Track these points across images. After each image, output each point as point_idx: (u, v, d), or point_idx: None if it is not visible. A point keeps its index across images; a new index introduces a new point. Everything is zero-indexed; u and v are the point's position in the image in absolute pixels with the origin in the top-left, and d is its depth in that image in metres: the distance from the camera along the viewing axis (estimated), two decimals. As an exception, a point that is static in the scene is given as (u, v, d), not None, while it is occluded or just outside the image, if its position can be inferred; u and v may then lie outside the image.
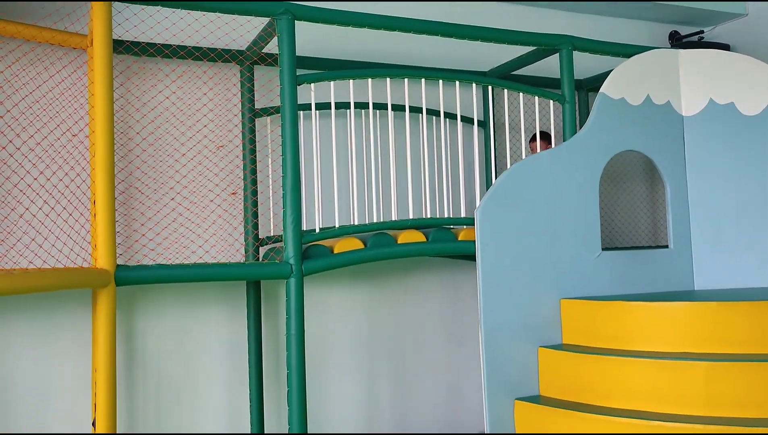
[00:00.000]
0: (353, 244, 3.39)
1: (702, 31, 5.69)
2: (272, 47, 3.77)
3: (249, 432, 3.99)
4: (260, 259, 3.97)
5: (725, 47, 5.40)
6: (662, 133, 4.16)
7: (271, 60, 3.91)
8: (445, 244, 3.60)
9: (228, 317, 4.03)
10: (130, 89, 3.85)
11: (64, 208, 3.52)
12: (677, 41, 5.68)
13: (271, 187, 4.02)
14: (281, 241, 3.91)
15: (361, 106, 3.60)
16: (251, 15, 3.22)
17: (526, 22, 4.74)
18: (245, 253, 3.98)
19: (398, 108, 3.70)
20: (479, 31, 3.75)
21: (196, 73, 3.96)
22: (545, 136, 4.48)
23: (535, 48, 4.10)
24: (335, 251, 3.35)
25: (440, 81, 3.61)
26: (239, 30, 3.76)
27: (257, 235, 3.97)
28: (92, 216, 3.56)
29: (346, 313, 4.38)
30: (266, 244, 3.99)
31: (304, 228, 3.93)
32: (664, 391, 3.19)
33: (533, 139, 4.48)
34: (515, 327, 3.61)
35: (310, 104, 3.41)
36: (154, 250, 3.83)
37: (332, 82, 3.40)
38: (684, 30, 5.77)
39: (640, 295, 3.89)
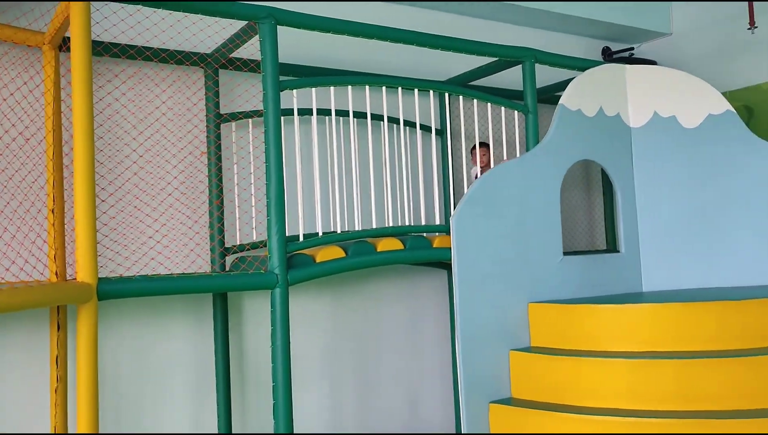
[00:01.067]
0: (335, 252, 3.35)
1: (632, 48, 6.05)
2: (239, 52, 3.70)
3: (215, 448, 3.85)
4: (227, 270, 3.85)
5: (652, 63, 5.77)
6: (613, 143, 4.39)
7: (238, 64, 3.80)
8: (422, 251, 3.63)
9: (193, 331, 3.87)
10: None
11: (11, 219, 3.27)
12: (609, 56, 6.00)
13: (236, 194, 3.91)
14: (248, 249, 3.83)
15: (334, 114, 3.57)
16: (233, 18, 3.13)
17: (458, 33, 4.77)
18: (212, 263, 3.84)
19: (376, 117, 3.72)
20: (449, 41, 3.82)
21: (154, 75, 3.80)
22: (484, 145, 4.59)
23: (496, 60, 4.22)
24: (317, 260, 3.30)
25: (399, 88, 3.62)
26: (206, 32, 3.64)
27: (223, 243, 3.85)
28: (50, 225, 3.35)
29: (309, 323, 4.32)
30: (226, 253, 3.88)
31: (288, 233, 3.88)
32: (635, 388, 3.36)
33: (474, 148, 4.57)
34: (489, 331, 3.69)
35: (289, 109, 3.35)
36: (113, 259, 3.63)
37: (314, 89, 3.36)
38: (615, 46, 6.11)
39: (599, 297, 4.08)
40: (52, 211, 3.36)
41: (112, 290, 2.73)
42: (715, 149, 4.38)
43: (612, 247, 5.54)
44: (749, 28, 4.37)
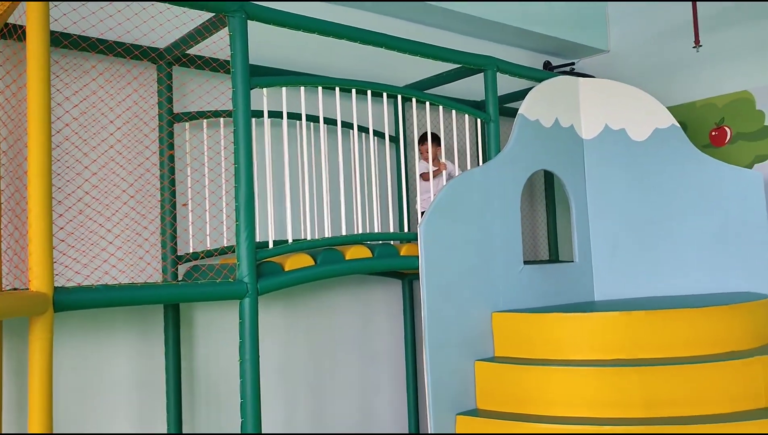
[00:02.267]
0: (304, 260, 3.19)
1: (573, 63, 6.20)
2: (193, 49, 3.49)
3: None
4: (179, 279, 3.60)
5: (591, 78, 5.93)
6: (568, 154, 4.45)
7: (199, 62, 3.59)
8: (390, 260, 3.53)
9: (139, 346, 3.59)
10: (21, 87, 3.31)
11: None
12: (550, 70, 6.13)
13: (190, 198, 3.68)
14: (202, 258, 3.61)
15: (304, 117, 3.41)
16: (202, 9, 2.93)
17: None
18: (163, 271, 3.58)
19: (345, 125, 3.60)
20: (417, 45, 3.75)
21: (102, 69, 3.52)
22: (436, 139, 4.40)
23: (453, 68, 4.19)
24: (286, 268, 3.13)
25: (353, 92, 3.52)
26: (163, 26, 3.41)
27: (176, 251, 3.60)
28: (-15, 230, 3.02)
29: (261, 333, 4.09)
30: (178, 261, 3.64)
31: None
32: (601, 396, 3.38)
33: (423, 141, 4.31)
34: (455, 341, 3.63)
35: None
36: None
37: (284, 89, 3.20)
38: (555, 61, 6.25)
39: (558, 306, 4.11)
40: (-11, 215, 3.04)
41: (70, 301, 2.46)
42: (661, 162, 4.52)
43: (554, 257, 5.62)
44: (694, 47, 4.55)
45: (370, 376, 4.64)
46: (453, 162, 4.32)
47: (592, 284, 4.50)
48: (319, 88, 3.33)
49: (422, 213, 3.93)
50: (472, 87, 4.67)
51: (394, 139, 4.62)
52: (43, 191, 2.41)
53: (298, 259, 3.18)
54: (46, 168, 2.42)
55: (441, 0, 4.86)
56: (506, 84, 4.52)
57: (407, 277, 4.75)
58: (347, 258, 3.36)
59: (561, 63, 6.22)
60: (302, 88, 3.27)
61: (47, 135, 2.42)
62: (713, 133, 5.42)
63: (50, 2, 2.65)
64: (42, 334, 2.37)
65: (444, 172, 4.38)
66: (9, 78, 3.25)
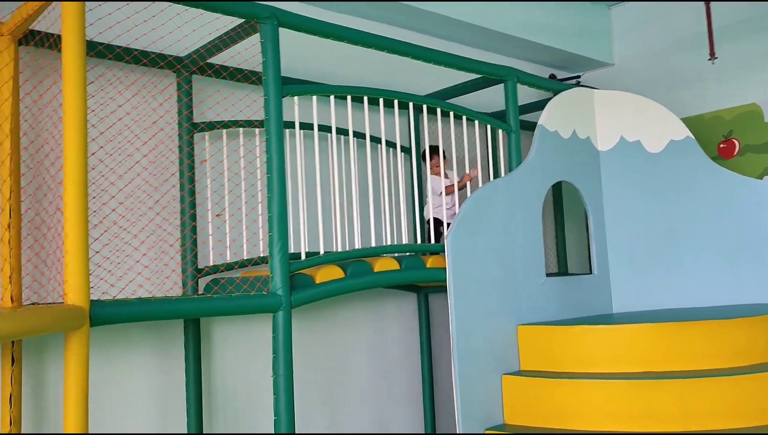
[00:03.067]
0: (334, 272, 3.11)
1: (579, 76, 6.22)
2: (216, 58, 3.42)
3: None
4: (200, 293, 3.50)
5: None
6: (585, 165, 4.43)
7: (217, 71, 3.52)
8: (417, 272, 3.46)
9: (159, 362, 3.48)
10: (42, 94, 3.21)
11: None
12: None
13: (210, 210, 3.59)
14: (222, 271, 3.52)
15: (334, 126, 3.36)
16: (232, 15, 2.87)
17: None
18: (183, 285, 3.48)
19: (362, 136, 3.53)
20: (441, 55, 3.71)
21: (124, 77, 3.43)
22: (444, 153, 4.29)
23: (471, 79, 4.17)
24: (317, 281, 3.05)
25: (381, 102, 3.44)
26: (180, 31, 3.33)
27: (196, 264, 3.50)
28: (5, 243, 2.91)
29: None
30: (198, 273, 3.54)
31: (262, 253, 3.59)
32: (635, 410, 3.32)
33: (433, 154, 4.21)
34: (482, 355, 3.57)
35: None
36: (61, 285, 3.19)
37: (314, 98, 3.13)
38: (560, 74, 6.26)
39: (580, 318, 4.06)
40: (8, 227, 2.92)
41: (107, 314, 2.36)
42: (677, 174, 4.52)
43: (564, 270, 5.59)
44: (710, 59, 4.57)
45: (385, 390, 4.55)
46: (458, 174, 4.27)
47: (611, 296, 4.46)
48: (348, 98, 3.26)
49: (432, 221, 3.85)
50: (481, 100, 4.65)
51: (406, 150, 4.57)
52: (80, 200, 2.32)
53: (329, 271, 3.10)
54: (83, 177, 2.33)
55: (453, 0, 4.83)
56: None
57: (423, 290, 4.69)
58: (375, 270, 3.28)
59: (566, 76, 6.23)
60: (332, 98, 3.20)
61: (83, 144, 2.33)
62: (721, 146, 5.45)
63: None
64: (78, 349, 2.27)
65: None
66: (29, 85, 3.15)
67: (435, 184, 4.14)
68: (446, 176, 4.25)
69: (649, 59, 5.98)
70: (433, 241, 4.08)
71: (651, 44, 5.98)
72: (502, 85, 4.05)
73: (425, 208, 4.33)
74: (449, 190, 4.11)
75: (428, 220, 4.23)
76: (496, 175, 4.85)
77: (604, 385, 3.41)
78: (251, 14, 2.88)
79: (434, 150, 4.25)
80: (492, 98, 4.59)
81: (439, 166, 4.21)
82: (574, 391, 3.44)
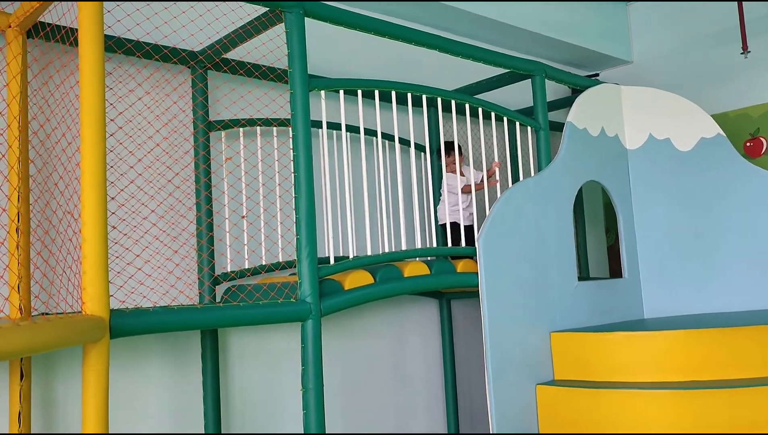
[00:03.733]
0: (363, 278, 2.93)
1: (597, 74, 6.05)
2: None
3: None
4: (216, 300, 3.31)
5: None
6: (614, 164, 4.26)
7: (237, 65, 3.33)
8: (448, 277, 3.27)
9: (174, 373, 3.28)
10: (52, 91, 3.02)
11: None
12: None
13: (227, 214, 3.40)
14: (233, 278, 3.33)
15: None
16: (256, 4, 2.69)
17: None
18: (199, 292, 3.29)
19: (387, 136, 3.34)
20: (470, 48, 3.54)
21: (135, 73, 3.25)
22: (460, 150, 3.99)
23: (492, 76, 4.00)
24: (346, 287, 2.86)
25: (409, 97, 3.25)
26: (193, 25, 3.15)
27: (213, 271, 3.31)
28: (13, 248, 2.71)
29: (295, 358, 3.79)
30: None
31: (280, 259, 3.41)
32: (680, 422, 3.13)
33: (450, 151, 4.06)
34: (516, 364, 3.39)
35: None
36: (74, 293, 2.99)
37: (342, 94, 2.95)
38: (578, 72, 6.09)
39: (613, 324, 3.88)
40: (17, 231, 2.73)
41: (127, 325, 2.17)
42: (708, 173, 4.34)
43: (585, 274, 5.41)
44: (742, 53, 4.41)
45: (407, 400, 4.35)
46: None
47: (642, 301, 4.28)
48: (376, 93, 3.08)
49: (449, 225, 3.58)
50: (496, 99, 4.48)
51: (420, 148, 4.40)
52: (98, 203, 2.13)
53: (358, 276, 2.91)
54: (101, 179, 2.14)
55: (474, 1, 4.67)
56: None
57: (445, 296, 4.50)
58: (405, 275, 3.10)
59: (584, 74, 6.06)
60: (359, 93, 3.02)
61: (102, 146, 2.15)
62: (748, 144, 5.28)
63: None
64: (98, 364, 2.08)
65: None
66: (38, 81, 2.97)
67: (452, 181, 3.90)
68: (462, 174, 3.98)
69: (669, 56, 5.82)
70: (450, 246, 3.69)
71: (671, 41, 5.81)
72: (513, 84, 3.90)
73: (439, 209, 4.02)
74: (466, 190, 3.91)
75: (443, 224, 4.02)
76: (516, 175, 4.68)
77: (647, 396, 3.21)
78: (276, 4, 2.70)
79: (450, 146, 4.06)
80: (505, 98, 4.39)
81: (455, 163, 3.89)
82: (614, 401, 3.25)
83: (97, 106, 2.15)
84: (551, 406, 3.42)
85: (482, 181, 3.80)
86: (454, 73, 4.10)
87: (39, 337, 1.87)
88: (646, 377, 3.36)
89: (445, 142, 4.11)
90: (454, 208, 3.95)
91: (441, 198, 3.89)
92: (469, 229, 4.04)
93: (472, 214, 4.04)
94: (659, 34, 5.89)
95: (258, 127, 3.54)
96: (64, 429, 2.96)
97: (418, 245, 3.17)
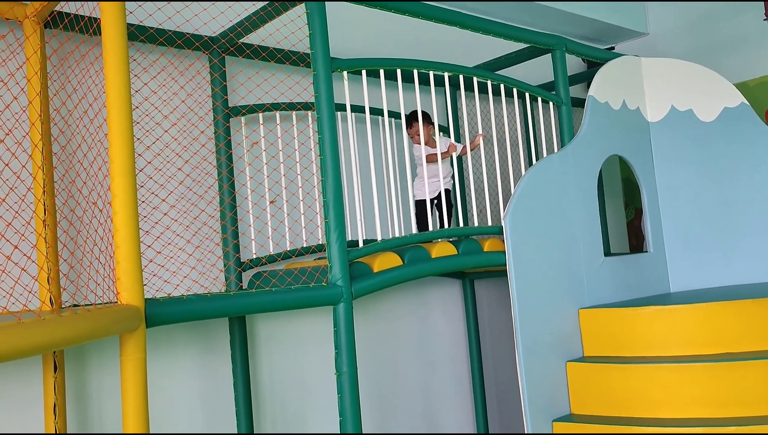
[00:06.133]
0: (392, 260, 2.90)
1: (612, 48, 5.97)
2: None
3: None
4: (243, 287, 3.29)
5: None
6: (636, 138, 4.20)
7: (255, 51, 3.29)
8: (476, 256, 3.24)
9: (203, 361, 3.28)
10: (69, 78, 2.99)
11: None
12: (588, 55, 5.88)
13: (250, 199, 3.38)
14: (265, 263, 3.31)
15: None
16: (276, -14, 2.64)
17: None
18: (225, 279, 3.28)
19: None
20: (489, 24, 3.49)
21: (151, 62, 3.21)
22: (428, 118, 3.62)
23: (519, 50, 3.94)
24: (375, 269, 2.84)
25: (431, 76, 3.18)
26: (209, 11, 3.11)
27: (239, 258, 3.29)
28: (41, 240, 2.70)
29: (318, 342, 3.77)
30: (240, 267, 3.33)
31: (305, 243, 3.39)
32: (715, 394, 3.11)
33: (410, 122, 3.67)
34: (545, 342, 3.36)
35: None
36: (101, 284, 2.98)
37: (364, 76, 2.91)
38: (595, 46, 6.00)
39: (642, 299, 3.85)
40: (44, 223, 2.71)
41: (163, 314, 2.16)
42: (731, 143, 4.27)
43: (606, 249, 5.35)
44: (765, 19, 4.31)
45: (432, 382, 4.34)
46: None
47: (667, 275, 4.23)
48: (398, 73, 3.03)
49: (425, 201, 3.28)
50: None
51: (444, 129, 4.35)
52: (129, 192, 2.10)
53: (387, 258, 2.89)
54: (130, 167, 2.11)
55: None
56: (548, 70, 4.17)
57: (468, 276, 4.47)
58: (433, 256, 3.07)
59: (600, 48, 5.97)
60: (382, 72, 2.97)
61: (129, 135, 2.11)
62: (770, 113, 5.20)
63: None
64: (135, 353, 2.07)
65: (454, 153, 3.62)
66: (58, 71, 2.94)
67: (416, 153, 3.58)
68: (432, 144, 3.61)
69: (685, 27, 5.72)
70: (414, 226, 3.31)
71: (687, 11, 5.72)
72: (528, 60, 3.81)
73: (414, 185, 3.45)
74: (431, 159, 3.43)
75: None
76: (529, 151, 4.62)
77: (681, 369, 3.19)
78: (296, -17, 2.65)
79: (412, 116, 3.64)
80: (517, 75, 4.31)
81: (419, 134, 3.58)
82: (647, 376, 3.23)
83: (123, 95, 2.11)
84: (582, 382, 3.40)
85: (463, 151, 3.59)
86: (466, 51, 4.04)
87: (79, 328, 1.86)
88: (678, 351, 3.33)
89: (406, 115, 3.70)
90: (434, 180, 3.55)
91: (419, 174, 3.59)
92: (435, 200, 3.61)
93: (446, 187, 3.66)
94: (674, 5, 5.79)
95: (278, 112, 3.50)
96: (98, 420, 2.97)
97: (446, 225, 3.12)
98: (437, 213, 3.65)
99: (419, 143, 3.58)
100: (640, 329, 3.42)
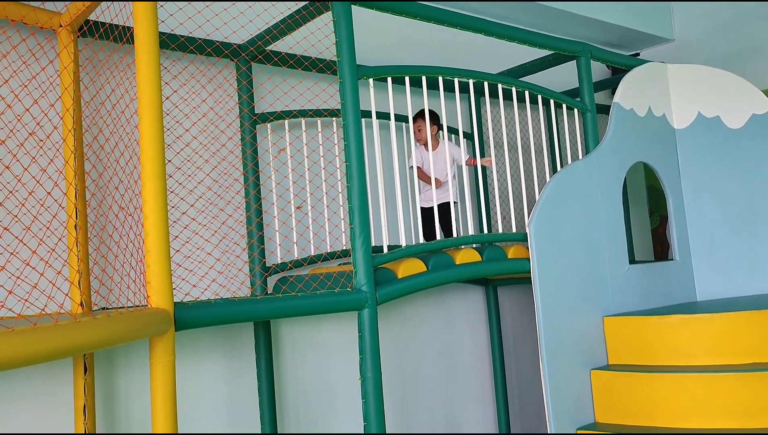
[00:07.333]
0: (416, 266, 2.92)
1: (637, 54, 5.93)
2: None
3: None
4: (269, 292, 3.33)
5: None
6: (662, 145, 4.17)
7: (282, 59, 3.34)
8: (500, 263, 3.24)
9: (229, 365, 3.31)
10: (103, 86, 3.05)
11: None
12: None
13: (276, 205, 3.41)
14: (291, 268, 3.34)
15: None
16: (303, -6, 2.68)
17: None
18: (251, 284, 3.31)
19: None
20: (515, 31, 3.50)
21: (178, 70, 3.27)
22: (434, 117, 3.49)
23: (544, 57, 3.95)
24: (399, 275, 2.85)
25: (456, 83, 3.15)
26: (236, 20, 3.15)
27: (265, 263, 3.33)
28: (72, 244, 2.76)
29: (341, 348, 3.79)
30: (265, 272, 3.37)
31: (330, 249, 3.42)
32: (743, 405, 3.07)
33: (418, 118, 3.54)
34: (570, 350, 3.35)
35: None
36: (130, 288, 3.03)
37: (390, 82, 2.93)
38: (619, 52, 5.97)
39: (668, 307, 3.81)
40: (75, 227, 2.77)
41: (192, 317, 2.20)
42: (759, 151, 4.22)
43: (631, 257, 5.31)
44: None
45: (455, 388, 4.34)
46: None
47: (693, 283, 4.19)
48: (423, 80, 3.06)
49: (425, 209, 3.30)
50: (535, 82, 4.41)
51: (468, 136, 4.36)
52: (159, 197, 2.15)
53: (411, 264, 2.90)
54: (161, 172, 2.16)
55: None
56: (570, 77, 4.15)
57: (491, 283, 4.47)
58: (457, 262, 3.08)
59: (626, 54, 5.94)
60: (407, 79, 2.99)
61: (160, 140, 2.16)
62: (798, 120, 5.12)
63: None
64: (165, 356, 2.11)
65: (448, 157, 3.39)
66: (92, 77, 3.00)
67: (415, 154, 3.49)
68: (433, 147, 3.51)
69: (711, 33, 5.68)
70: (421, 235, 3.11)
71: (713, 18, 5.67)
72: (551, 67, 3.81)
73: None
74: (423, 178, 3.41)
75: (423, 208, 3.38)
76: (554, 159, 4.61)
77: (708, 379, 3.15)
78: (323, -8, 2.69)
79: (418, 115, 3.51)
80: (541, 82, 4.31)
81: (419, 132, 3.51)
82: (672, 385, 3.20)
83: (155, 103, 2.16)
84: (607, 390, 3.38)
85: (470, 162, 3.53)
86: (489, 59, 4.05)
87: (112, 330, 1.90)
88: (705, 361, 3.30)
89: (417, 112, 3.52)
90: (428, 194, 3.48)
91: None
92: (428, 212, 3.39)
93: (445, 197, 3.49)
94: (700, 10, 5.75)
95: (303, 119, 3.54)
96: (126, 422, 3.02)
97: (471, 232, 3.13)
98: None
99: (422, 142, 3.54)
100: (666, 338, 3.40)
